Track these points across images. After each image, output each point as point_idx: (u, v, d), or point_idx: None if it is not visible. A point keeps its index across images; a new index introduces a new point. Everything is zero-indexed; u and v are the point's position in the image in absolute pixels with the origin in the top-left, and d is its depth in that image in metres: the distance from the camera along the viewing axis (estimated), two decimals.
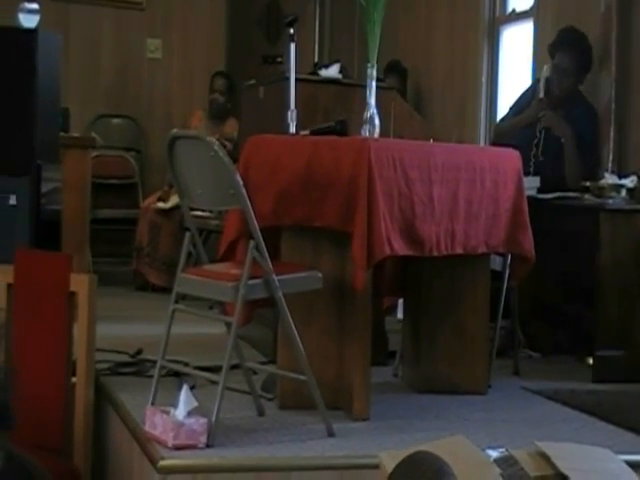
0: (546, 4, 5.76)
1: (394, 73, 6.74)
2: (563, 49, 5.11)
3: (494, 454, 2.84)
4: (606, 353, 4.29)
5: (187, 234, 3.45)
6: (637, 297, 4.33)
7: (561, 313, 4.72)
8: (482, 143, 6.23)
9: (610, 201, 4.46)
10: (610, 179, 4.63)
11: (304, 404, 3.43)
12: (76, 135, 5.83)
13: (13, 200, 4.19)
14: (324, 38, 8.33)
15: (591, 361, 4.35)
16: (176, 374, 3.76)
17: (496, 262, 4.15)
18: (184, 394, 3.08)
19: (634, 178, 4.62)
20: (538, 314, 4.78)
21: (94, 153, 5.70)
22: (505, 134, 5.28)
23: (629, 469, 2.77)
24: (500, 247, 3.89)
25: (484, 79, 6.43)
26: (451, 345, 3.94)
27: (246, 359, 3.59)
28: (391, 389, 3.98)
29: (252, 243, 3.24)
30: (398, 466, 1.64)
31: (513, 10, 6.35)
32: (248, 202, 3.26)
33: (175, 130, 3.53)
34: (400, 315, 4.32)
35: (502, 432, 3.39)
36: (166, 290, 4.76)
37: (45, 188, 4.59)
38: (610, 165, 4.90)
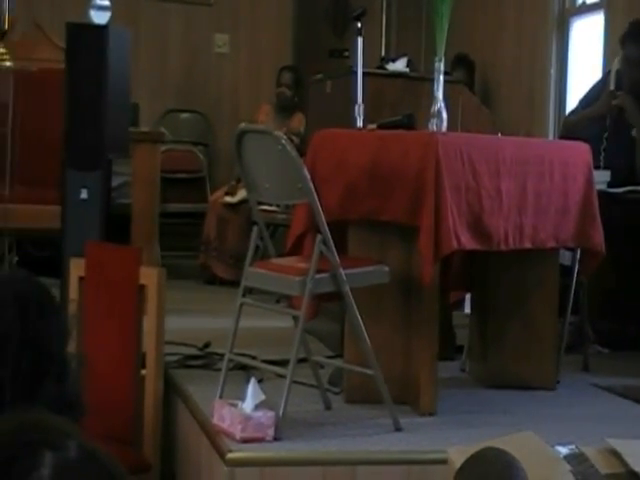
0: None
1: (461, 66, 6.71)
2: (633, 40, 5.03)
3: (564, 451, 2.81)
4: None
5: (254, 228, 3.46)
6: None
7: (631, 308, 4.65)
8: (551, 137, 6.16)
9: None
10: None
11: (371, 398, 3.43)
12: (145, 130, 5.90)
13: (84, 194, 4.25)
14: (391, 32, 8.30)
15: None
16: (244, 367, 3.77)
17: (565, 257, 4.10)
18: (252, 387, 3.09)
19: None
20: (608, 309, 4.72)
21: (163, 147, 5.75)
22: (575, 127, 5.20)
23: None
24: (569, 241, 3.85)
25: (553, 72, 6.36)
26: (519, 340, 3.91)
27: (313, 353, 3.60)
28: (458, 384, 3.96)
29: (319, 237, 3.24)
30: (467, 461, 1.64)
31: (583, 2, 6.27)
32: (315, 196, 3.27)
33: (243, 124, 3.55)
34: (467, 310, 4.30)
35: (571, 429, 3.35)
36: (233, 284, 4.78)
37: (115, 182, 4.64)
38: None
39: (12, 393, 1.38)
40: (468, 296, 4.26)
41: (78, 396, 1.48)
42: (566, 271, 4.06)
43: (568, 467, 2.65)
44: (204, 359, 4.14)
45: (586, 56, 6.16)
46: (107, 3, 4.36)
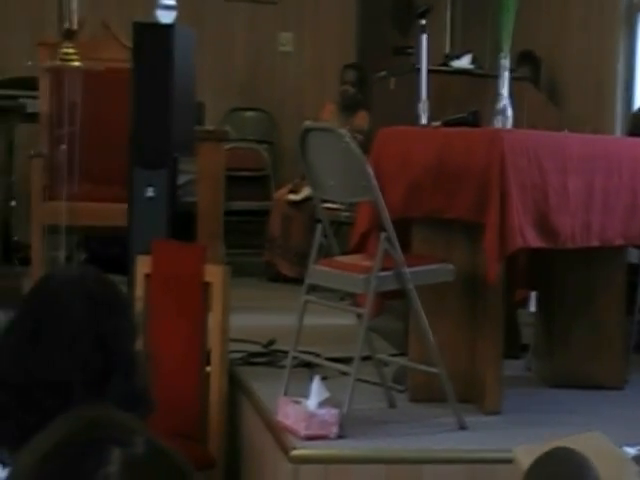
0: None
1: (527, 63, 6.63)
2: None
3: (632, 451, 2.77)
4: None
5: (318, 226, 3.47)
6: None
7: None
8: (619, 133, 6.07)
9: None
10: None
11: (435, 397, 3.41)
12: (210, 128, 5.93)
13: (151, 192, 4.29)
14: (455, 29, 8.25)
15: None
16: (308, 365, 3.78)
17: (634, 255, 4.05)
18: (316, 385, 3.10)
19: None
20: None
21: (227, 146, 5.78)
22: None
23: None
24: (638, 239, 3.79)
25: (620, 67, 6.26)
26: (586, 339, 3.86)
27: (377, 351, 3.60)
28: (523, 383, 3.93)
29: (383, 235, 3.24)
30: (537, 460, 1.62)
31: None
32: (379, 194, 3.27)
33: (307, 122, 3.56)
34: (533, 308, 4.26)
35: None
36: (297, 281, 4.79)
37: (181, 180, 4.67)
38: None
39: (81, 390, 1.40)
40: (534, 294, 4.23)
41: (146, 393, 1.50)
42: (634, 269, 4.01)
43: (636, 468, 2.61)
44: (268, 356, 4.16)
45: None
46: (173, 3, 4.40)
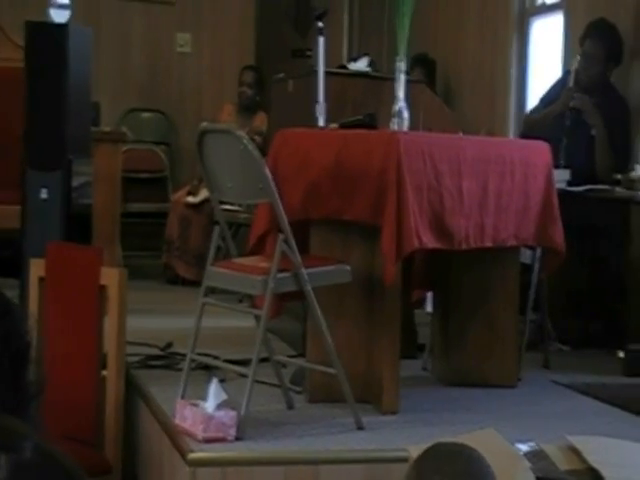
0: None
1: (421, 66, 6.72)
2: (592, 37, 5.07)
3: (524, 448, 2.83)
4: (638, 347, 4.26)
5: (216, 228, 3.46)
6: None
7: (592, 306, 4.69)
8: (512, 135, 6.19)
9: None
10: None
11: (333, 397, 3.43)
12: (107, 129, 5.86)
13: (45, 194, 4.22)
14: (353, 31, 8.32)
15: (622, 354, 4.32)
16: (206, 367, 3.77)
17: (526, 255, 4.13)
18: (213, 387, 3.09)
19: None
20: (569, 307, 4.75)
21: (124, 147, 5.72)
22: (535, 126, 5.24)
23: None
24: (530, 240, 3.88)
25: (514, 71, 6.40)
26: (481, 338, 3.93)
27: (275, 352, 3.60)
28: (420, 382, 3.98)
29: (281, 236, 3.24)
30: (423, 454, 1.63)
31: (543, 2, 6.31)
32: (277, 196, 3.27)
33: (205, 124, 3.54)
34: (429, 308, 4.32)
35: (532, 426, 3.37)
36: (196, 283, 4.77)
37: (76, 182, 4.61)
38: None
39: None
40: (430, 294, 4.29)
41: (36, 397, 1.47)
42: (527, 269, 4.10)
43: (528, 464, 2.67)
44: (166, 359, 4.13)
45: (546, 55, 6.20)
46: (67, 2, 4.33)
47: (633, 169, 4.66)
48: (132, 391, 3.72)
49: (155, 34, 7.73)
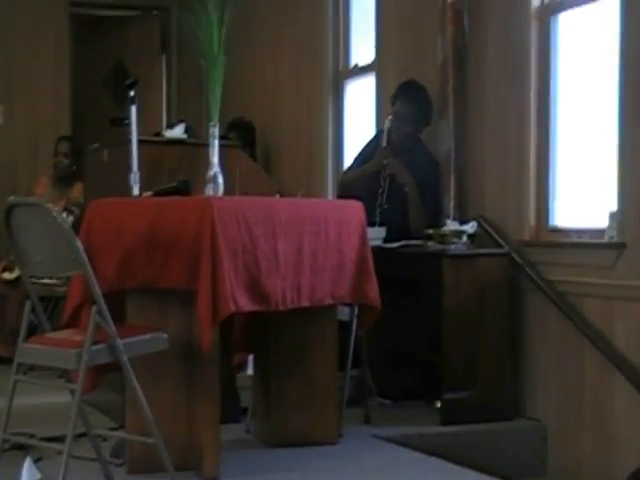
0: (387, 58, 5.91)
1: (239, 130, 6.78)
2: (403, 97, 5.24)
3: None
4: (453, 396, 4.37)
5: (27, 303, 3.40)
6: (480, 339, 4.44)
7: (410, 359, 4.79)
8: (330, 195, 6.32)
9: (452, 247, 4.57)
10: (451, 225, 4.74)
11: (153, 467, 3.40)
12: None
13: None
14: (172, 99, 8.36)
15: (439, 404, 4.43)
16: (21, 447, 3.66)
17: (344, 312, 4.20)
18: (26, 467, 3.02)
19: (474, 224, 4.76)
20: (388, 361, 4.85)
21: None
22: (351, 185, 5.35)
23: None
24: (346, 297, 3.95)
25: (330, 132, 6.54)
26: (301, 397, 3.96)
27: (95, 426, 3.54)
28: (243, 446, 3.97)
29: (94, 308, 3.21)
30: None
31: (356, 65, 6.50)
32: (89, 267, 3.24)
33: (12, 198, 3.48)
34: (251, 371, 4.33)
35: (352, 479, 3.41)
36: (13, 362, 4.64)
37: None
38: (452, 212, 5.01)
39: None
40: (251, 357, 4.30)
41: None
42: (345, 326, 4.16)
43: None
44: None
45: (359, 116, 6.38)
46: None
47: (444, 224, 4.81)
48: None
49: None
